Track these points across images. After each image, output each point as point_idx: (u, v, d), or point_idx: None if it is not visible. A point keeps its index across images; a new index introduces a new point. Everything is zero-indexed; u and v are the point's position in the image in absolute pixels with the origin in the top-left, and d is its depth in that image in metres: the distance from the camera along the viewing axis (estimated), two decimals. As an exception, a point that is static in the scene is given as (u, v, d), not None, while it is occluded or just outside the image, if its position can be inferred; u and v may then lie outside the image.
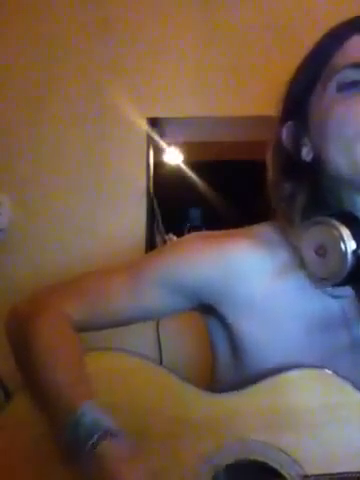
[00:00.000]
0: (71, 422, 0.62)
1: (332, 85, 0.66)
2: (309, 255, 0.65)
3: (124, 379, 0.68)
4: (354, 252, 0.61)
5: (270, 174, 0.74)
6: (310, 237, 0.65)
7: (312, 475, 0.62)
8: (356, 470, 0.61)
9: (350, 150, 0.63)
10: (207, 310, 0.77)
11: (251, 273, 0.71)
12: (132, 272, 0.76)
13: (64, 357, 0.71)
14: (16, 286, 1.57)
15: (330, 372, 0.65)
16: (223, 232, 0.76)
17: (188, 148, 2.04)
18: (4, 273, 1.59)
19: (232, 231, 0.76)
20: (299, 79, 0.71)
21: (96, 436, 0.61)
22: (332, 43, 0.67)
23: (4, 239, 1.60)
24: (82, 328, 0.75)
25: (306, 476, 0.62)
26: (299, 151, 0.71)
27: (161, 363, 1.44)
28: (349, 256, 0.61)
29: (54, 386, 0.67)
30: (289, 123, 0.72)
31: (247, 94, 1.58)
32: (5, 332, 0.79)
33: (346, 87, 0.64)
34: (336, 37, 0.68)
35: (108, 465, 0.60)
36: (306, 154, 0.70)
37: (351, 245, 0.61)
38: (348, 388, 0.64)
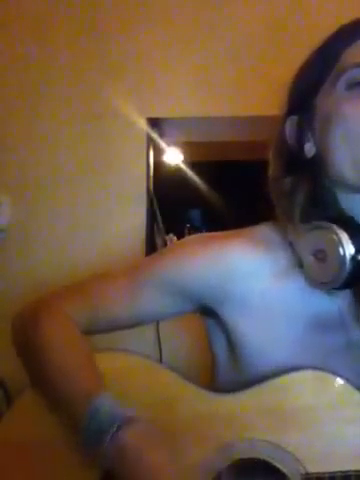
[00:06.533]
0: (89, 413, 0.62)
1: (341, 83, 0.65)
2: (308, 259, 0.65)
3: (125, 379, 0.68)
4: (353, 257, 0.61)
5: (271, 169, 0.74)
6: (309, 241, 0.65)
7: (313, 473, 0.62)
8: (356, 468, 0.62)
9: (354, 149, 0.63)
10: (206, 311, 0.76)
11: (249, 274, 0.71)
12: (132, 275, 0.76)
13: (72, 352, 0.71)
14: (16, 286, 1.57)
15: (330, 373, 0.65)
16: (223, 233, 0.76)
17: (188, 148, 2.04)
18: (4, 273, 1.60)
19: (232, 232, 0.76)
20: (306, 74, 0.70)
21: (116, 423, 0.61)
22: (342, 41, 0.67)
23: (4, 239, 1.60)
24: (84, 331, 0.75)
25: (307, 474, 0.62)
26: (301, 147, 0.70)
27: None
28: (348, 261, 0.61)
29: (66, 380, 0.67)
30: (293, 117, 0.71)
31: (247, 94, 1.59)
32: (11, 336, 0.79)
33: (355, 86, 0.64)
34: (346, 35, 0.67)
35: (131, 451, 0.60)
36: (308, 150, 0.69)
37: (350, 250, 0.61)
38: (348, 388, 0.64)
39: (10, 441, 0.72)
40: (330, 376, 0.65)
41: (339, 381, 0.64)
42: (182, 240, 0.81)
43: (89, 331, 0.76)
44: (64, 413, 0.68)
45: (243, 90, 1.60)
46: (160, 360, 1.48)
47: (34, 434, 0.71)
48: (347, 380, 0.64)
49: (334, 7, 1.53)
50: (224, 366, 0.76)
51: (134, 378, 0.70)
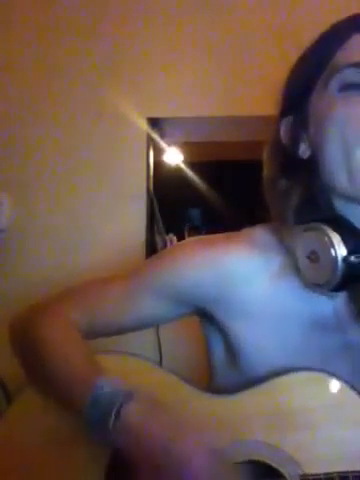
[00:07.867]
0: (92, 394, 0.63)
1: (333, 84, 0.63)
2: (303, 261, 0.65)
3: (125, 381, 0.68)
4: (345, 258, 0.60)
5: (266, 170, 0.73)
6: (303, 243, 0.64)
7: (310, 474, 0.62)
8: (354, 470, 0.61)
9: (348, 155, 0.62)
10: (203, 314, 0.76)
11: (246, 277, 0.70)
12: (131, 279, 0.76)
13: (72, 349, 0.71)
14: (16, 286, 1.57)
15: (329, 374, 0.65)
16: (221, 236, 0.75)
17: (188, 148, 2.05)
18: (4, 273, 1.60)
19: (229, 234, 0.75)
20: (299, 74, 0.69)
21: (119, 401, 0.62)
22: (333, 41, 0.65)
23: (4, 239, 1.61)
24: (84, 335, 0.75)
25: (305, 475, 0.62)
26: (296, 148, 0.69)
27: (161, 365, 1.44)
28: (340, 262, 0.60)
29: (67, 373, 0.68)
30: (288, 118, 0.70)
31: (247, 94, 1.59)
32: (9, 338, 0.79)
33: (347, 88, 0.62)
34: (337, 35, 0.65)
35: (136, 427, 0.61)
36: (303, 152, 0.68)
37: (342, 251, 0.60)
38: (346, 389, 0.64)
39: (10, 440, 0.72)
40: (328, 377, 0.65)
41: (337, 382, 0.64)
42: (181, 243, 0.81)
43: (89, 335, 0.75)
44: (67, 403, 0.68)
45: (243, 90, 1.60)
46: (160, 362, 1.48)
47: (34, 433, 0.71)
48: (345, 381, 0.64)
49: (334, 7, 1.53)
50: (222, 368, 0.76)
51: (133, 380, 0.70)
